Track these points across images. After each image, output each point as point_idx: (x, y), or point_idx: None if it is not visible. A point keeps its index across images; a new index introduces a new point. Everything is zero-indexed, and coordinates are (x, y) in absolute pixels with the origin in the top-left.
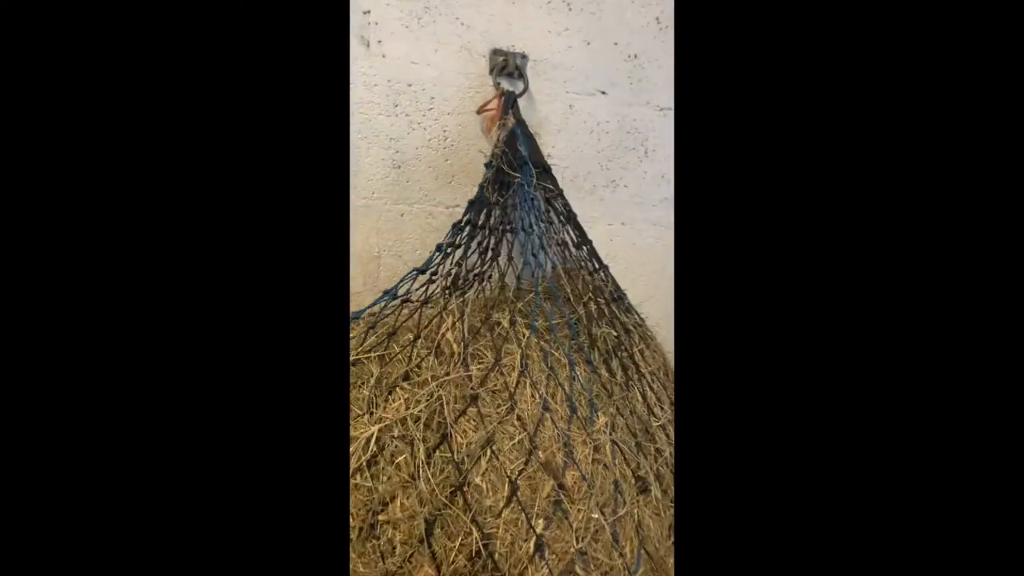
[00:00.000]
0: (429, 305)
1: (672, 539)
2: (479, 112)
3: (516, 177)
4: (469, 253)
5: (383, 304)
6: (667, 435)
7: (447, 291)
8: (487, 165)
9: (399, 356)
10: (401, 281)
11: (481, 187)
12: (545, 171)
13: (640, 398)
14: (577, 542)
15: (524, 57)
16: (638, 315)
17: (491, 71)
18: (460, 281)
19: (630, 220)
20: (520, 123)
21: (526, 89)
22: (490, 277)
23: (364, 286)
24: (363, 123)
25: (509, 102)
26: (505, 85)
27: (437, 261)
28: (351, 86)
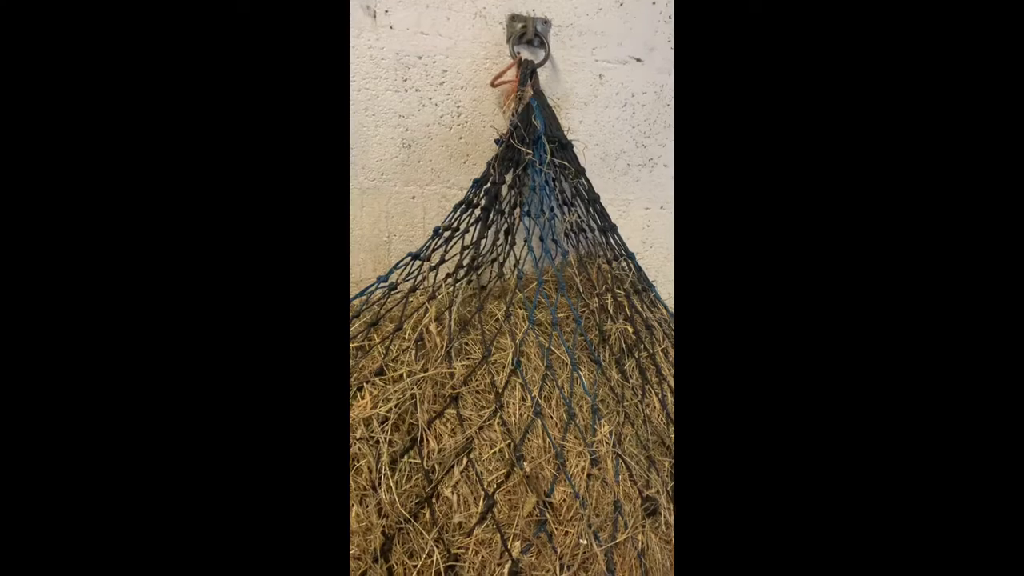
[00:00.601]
0: (418, 293)
1: None
2: (494, 84)
3: (528, 154)
4: (473, 238)
5: (370, 292)
6: None
7: (448, 279)
8: (497, 141)
9: (377, 348)
10: (395, 267)
11: (489, 165)
12: (563, 147)
13: (658, 405)
14: (561, 571)
15: (546, 23)
16: (666, 309)
17: (509, 39)
18: (459, 268)
19: (671, 203)
20: (538, 95)
21: (547, 58)
22: (502, 264)
23: (374, 272)
24: (370, 100)
25: (527, 72)
26: (525, 54)
27: (434, 246)
28: (356, 60)
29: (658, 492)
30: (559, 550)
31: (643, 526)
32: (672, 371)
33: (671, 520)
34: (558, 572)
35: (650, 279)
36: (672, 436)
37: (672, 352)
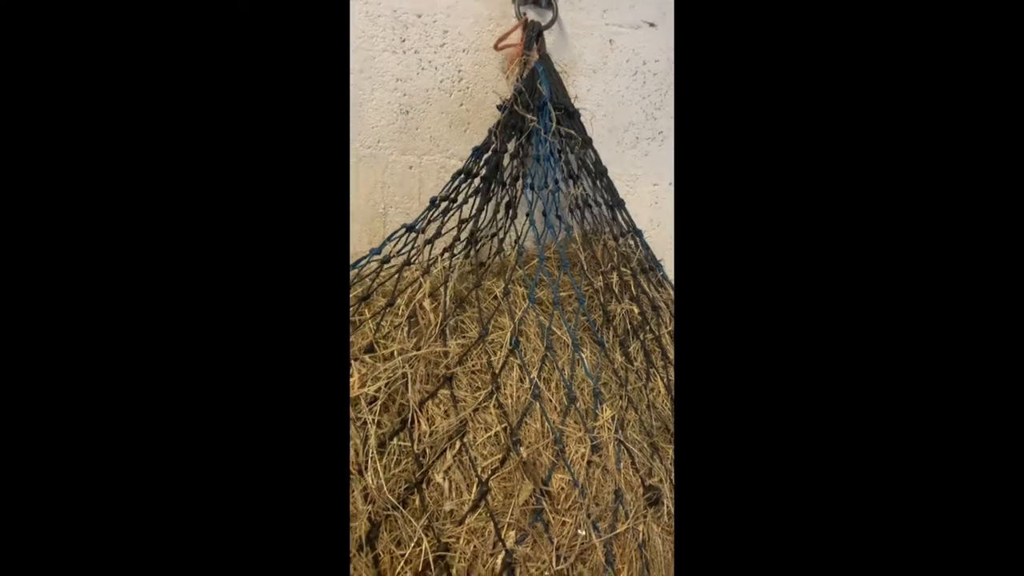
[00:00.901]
0: (413, 267)
1: None
2: (497, 47)
3: (532, 121)
4: (472, 210)
5: (362, 265)
6: None
7: (445, 253)
8: (500, 108)
9: (368, 324)
10: (388, 239)
11: (490, 132)
12: (569, 115)
13: (663, 389)
14: (557, 562)
15: None
16: (674, 290)
17: None
18: (456, 242)
19: None
20: (544, 59)
21: (555, 20)
22: (502, 239)
23: (369, 246)
24: (365, 61)
25: (533, 35)
26: (531, 16)
27: (430, 217)
28: (351, 17)
29: (661, 481)
30: (556, 541)
31: (644, 516)
32: None
33: (673, 509)
34: (554, 564)
35: (657, 258)
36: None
37: None
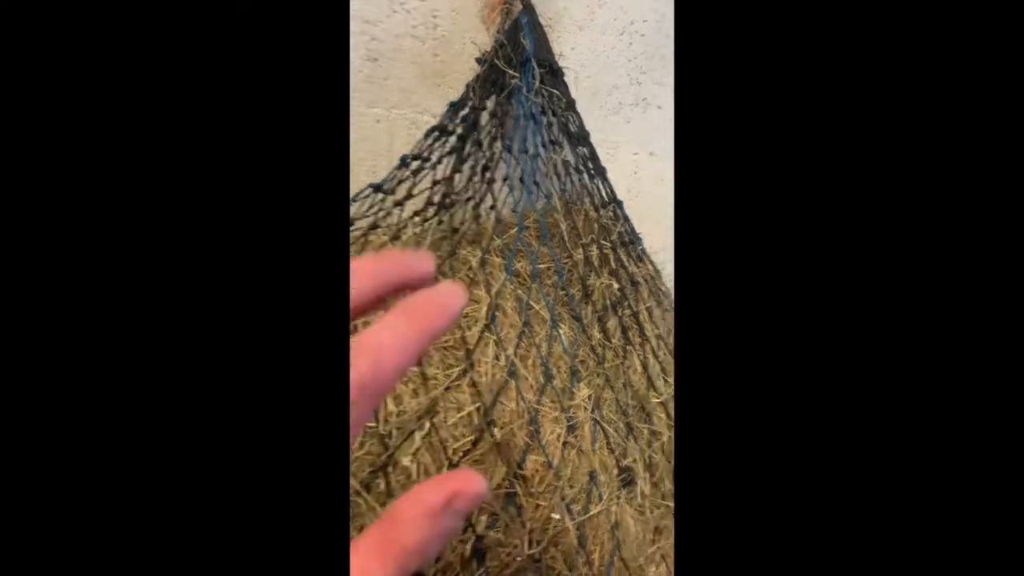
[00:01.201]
0: (380, 231)
1: (656, 545)
2: None
3: (514, 77)
4: (446, 171)
5: None
6: (668, 414)
7: (416, 217)
8: (479, 61)
9: None
10: (353, 199)
11: (468, 87)
12: (553, 73)
13: (639, 367)
14: (530, 546)
15: None
16: (652, 264)
17: None
18: (428, 206)
19: (662, 151)
20: (528, 9)
21: None
22: (477, 204)
23: None
24: None
25: None
26: None
27: (400, 177)
28: None
29: (635, 461)
30: (528, 524)
31: (618, 498)
32: (656, 332)
33: (646, 490)
34: (526, 548)
35: (635, 231)
36: (652, 401)
37: (656, 312)
